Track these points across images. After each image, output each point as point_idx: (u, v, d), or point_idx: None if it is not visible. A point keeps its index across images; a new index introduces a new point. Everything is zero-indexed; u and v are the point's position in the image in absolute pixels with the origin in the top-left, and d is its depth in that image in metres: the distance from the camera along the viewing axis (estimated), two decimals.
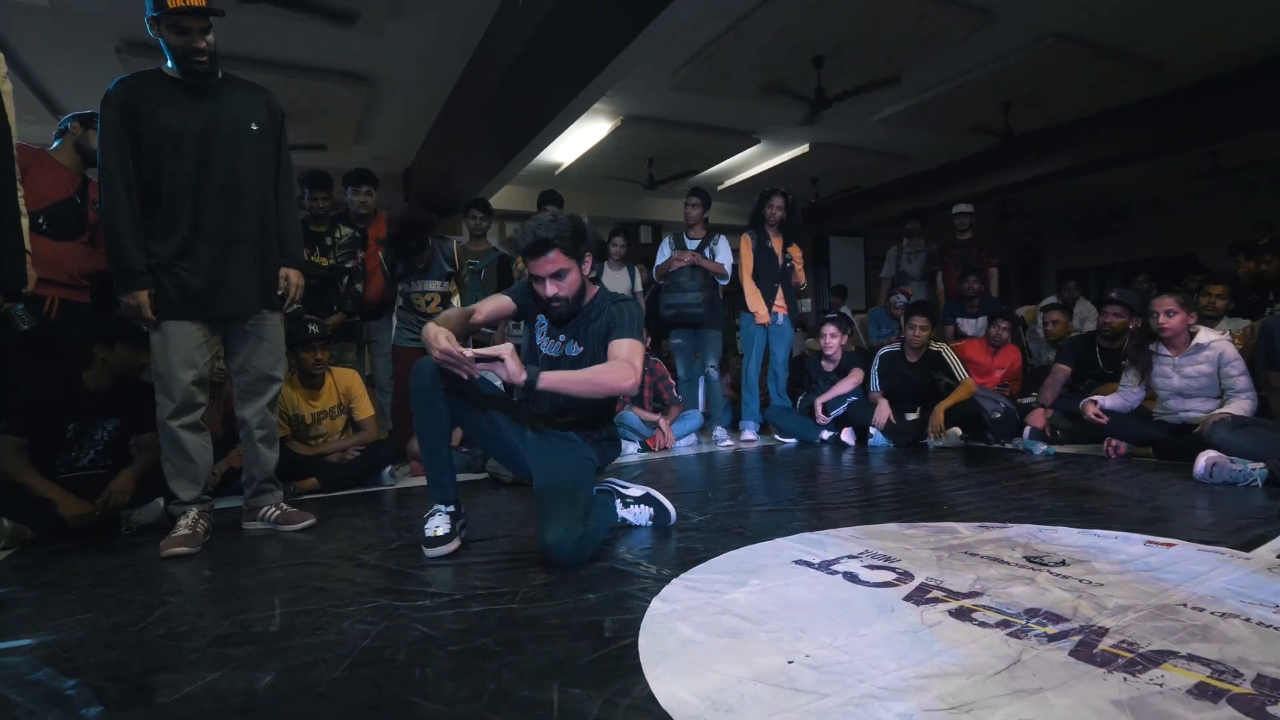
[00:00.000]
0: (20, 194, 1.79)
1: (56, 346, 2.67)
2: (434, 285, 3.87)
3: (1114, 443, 3.29)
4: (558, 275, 1.96)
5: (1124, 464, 3.13)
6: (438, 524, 1.91)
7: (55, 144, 2.77)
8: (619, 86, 5.26)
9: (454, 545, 1.91)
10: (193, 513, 2.12)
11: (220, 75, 2.18)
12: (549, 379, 1.83)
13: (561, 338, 2.10)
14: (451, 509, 1.96)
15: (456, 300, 3.99)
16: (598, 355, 2.03)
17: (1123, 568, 1.59)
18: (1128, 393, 3.33)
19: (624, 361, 1.92)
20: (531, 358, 2.15)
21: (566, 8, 3.70)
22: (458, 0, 4.27)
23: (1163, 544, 1.78)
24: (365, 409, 3.26)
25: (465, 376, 1.83)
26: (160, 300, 2.08)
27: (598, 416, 2.14)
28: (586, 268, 2.05)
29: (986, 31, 4.72)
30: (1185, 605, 1.34)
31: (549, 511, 1.78)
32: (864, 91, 5.26)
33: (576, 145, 6.70)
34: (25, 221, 1.90)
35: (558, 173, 7.48)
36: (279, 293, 2.30)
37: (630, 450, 3.96)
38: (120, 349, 2.51)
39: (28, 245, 1.96)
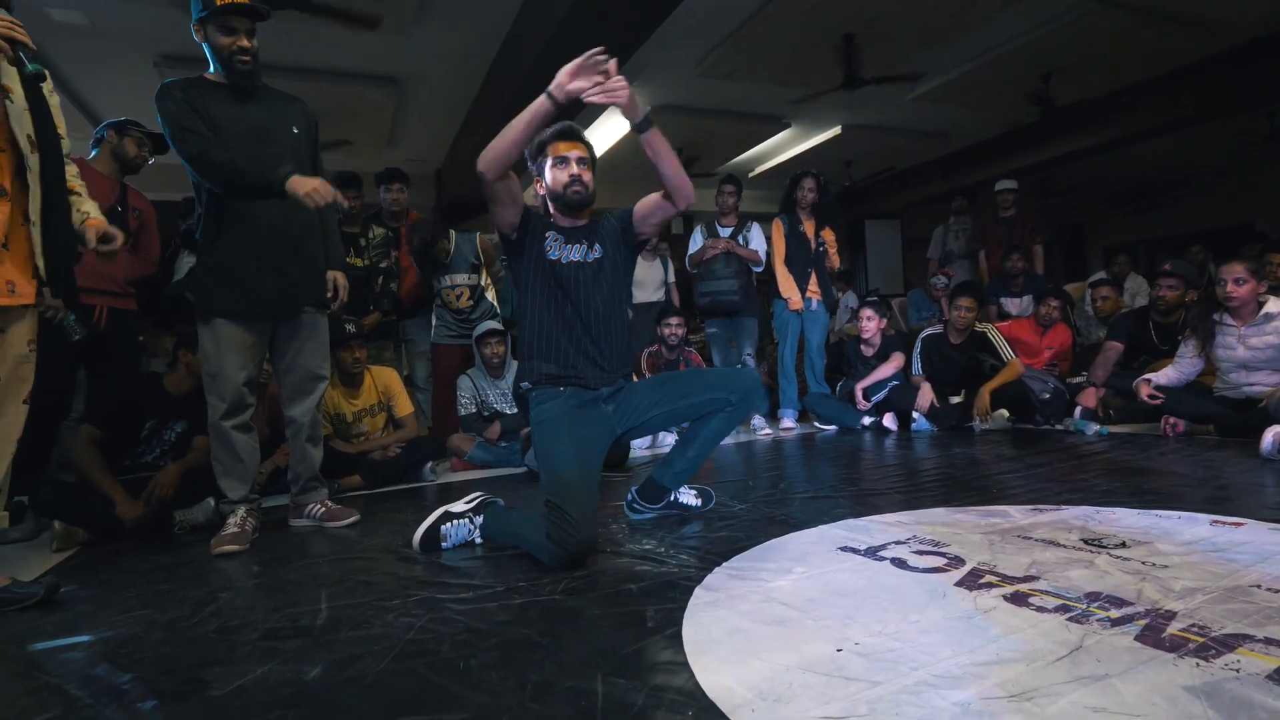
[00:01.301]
0: (81, 201, 1.83)
1: (110, 352, 2.76)
2: (461, 278, 3.89)
3: (1172, 421, 3.15)
4: (582, 161, 1.97)
5: (1184, 443, 3.00)
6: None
7: (93, 153, 2.85)
8: (646, 76, 5.23)
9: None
10: (241, 511, 2.17)
11: (260, 82, 2.22)
12: (655, 135, 1.87)
13: (580, 244, 2.02)
14: None
15: (491, 295, 4.02)
16: (618, 253, 2.07)
17: (1188, 549, 1.52)
18: (1184, 364, 3.19)
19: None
20: (545, 270, 1.99)
21: (587, 3, 3.67)
22: (482, 1, 4.28)
23: (1231, 524, 1.70)
24: (405, 406, 3.30)
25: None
26: (215, 296, 2.13)
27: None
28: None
29: (1024, 1, 4.56)
30: (1259, 586, 1.26)
31: (719, 380, 1.98)
32: (899, 80, 5.12)
33: (605, 138, 6.68)
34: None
35: None
36: (328, 294, 2.34)
37: (667, 441, 3.93)
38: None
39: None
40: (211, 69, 2.16)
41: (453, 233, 3.91)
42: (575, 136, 1.98)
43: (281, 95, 2.30)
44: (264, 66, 2.20)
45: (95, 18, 4.18)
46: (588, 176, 1.98)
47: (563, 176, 1.96)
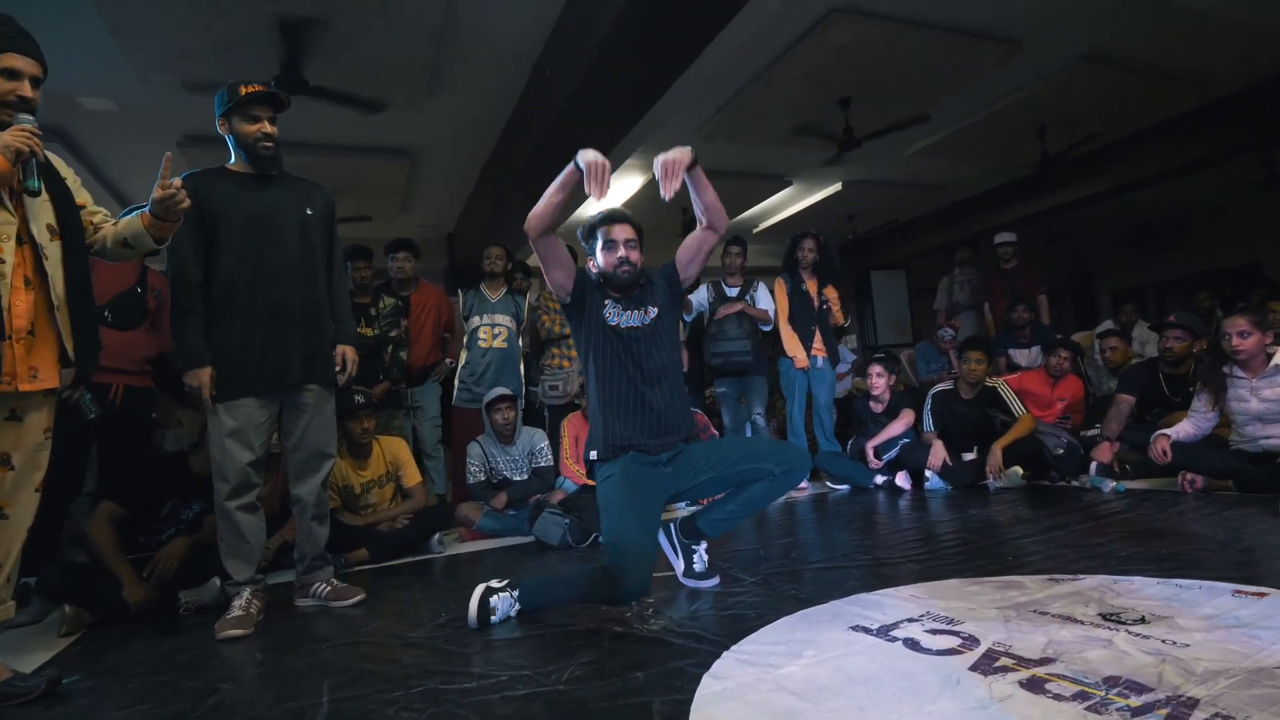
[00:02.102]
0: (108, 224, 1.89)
1: (125, 428, 2.80)
2: (503, 319, 4.05)
3: (1189, 476, 3.09)
4: (630, 243, 2.14)
5: (1203, 499, 2.94)
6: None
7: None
8: (649, 142, 5.37)
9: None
10: (246, 593, 2.15)
11: (280, 171, 2.31)
12: (698, 170, 2.02)
13: (637, 308, 2.17)
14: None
15: (521, 342, 4.21)
16: (669, 308, 2.22)
17: (1210, 623, 1.48)
18: (1199, 418, 3.15)
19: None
20: (606, 335, 2.15)
21: (594, 74, 3.81)
22: (491, 74, 4.46)
23: (1253, 594, 1.65)
24: (413, 476, 3.30)
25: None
26: (218, 381, 2.16)
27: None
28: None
29: (1015, 61, 4.68)
30: None
31: (767, 452, 2.09)
32: (893, 131, 5.25)
33: (611, 200, 6.79)
34: None
35: None
36: (335, 369, 2.37)
37: (679, 506, 3.89)
38: None
39: None
40: (233, 159, 2.26)
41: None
42: (622, 219, 2.16)
43: (301, 182, 2.39)
44: (284, 144, 2.30)
45: (123, 103, 4.38)
46: (635, 256, 2.15)
47: (612, 259, 2.14)
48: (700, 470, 2.11)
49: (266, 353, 2.20)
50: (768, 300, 4.40)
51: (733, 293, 4.40)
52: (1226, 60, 4.92)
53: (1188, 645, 1.37)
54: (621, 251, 2.13)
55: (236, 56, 3.84)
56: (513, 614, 1.95)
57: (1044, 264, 5.97)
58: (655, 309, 2.18)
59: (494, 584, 1.97)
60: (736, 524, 2.27)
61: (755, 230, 8.30)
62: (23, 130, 1.56)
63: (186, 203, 1.80)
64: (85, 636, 2.19)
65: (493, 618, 1.90)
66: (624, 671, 1.48)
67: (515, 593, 1.96)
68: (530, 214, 2.04)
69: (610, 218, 2.16)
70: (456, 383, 4.05)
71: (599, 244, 2.17)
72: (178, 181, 1.78)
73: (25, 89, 1.63)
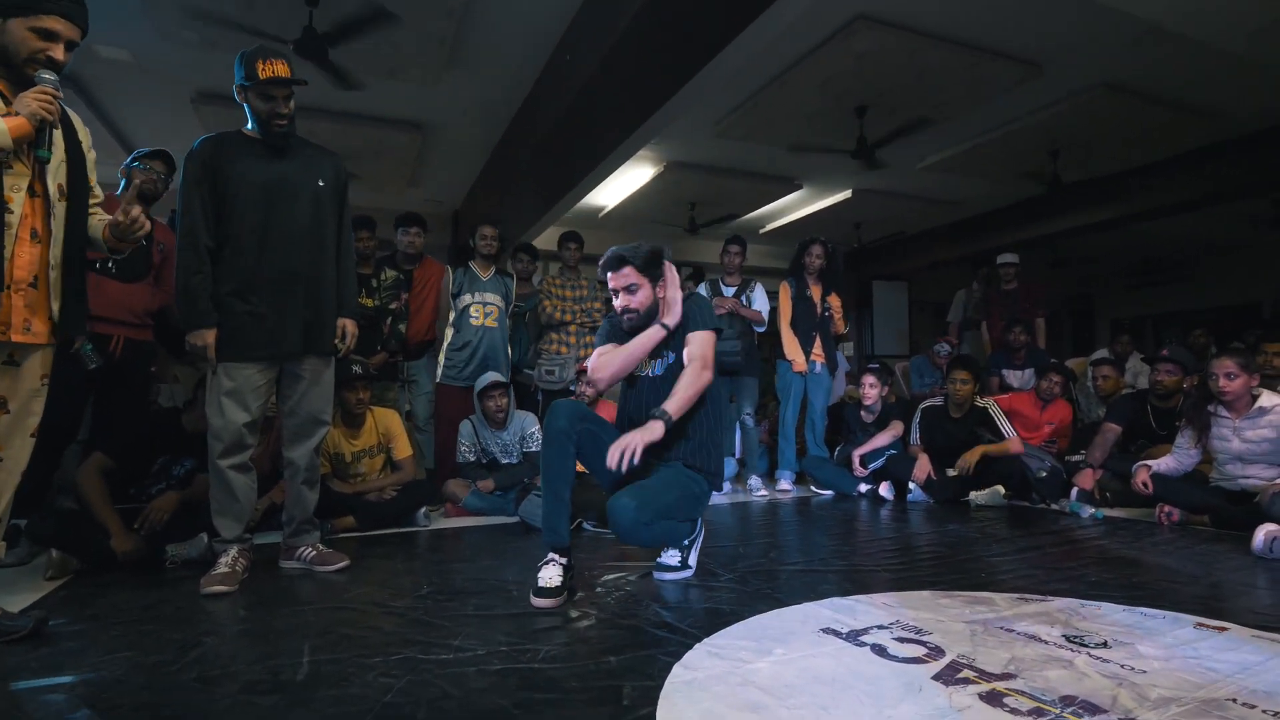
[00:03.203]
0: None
1: (124, 380, 2.83)
2: (494, 299, 4.05)
3: (1167, 509, 3.14)
4: (629, 289, 2.18)
5: (1178, 532, 2.99)
6: (551, 575, 1.94)
7: (121, 187, 2.95)
8: (663, 134, 5.37)
9: (561, 600, 1.90)
10: (233, 551, 2.18)
11: (295, 138, 2.33)
12: (672, 408, 2.03)
13: (657, 355, 2.23)
14: (565, 560, 2.00)
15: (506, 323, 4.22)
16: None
17: (1169, 653, 1.52)
18: (1182, 454, 3.19)
19: (695, 360, 2.12)
20: (628, 390, 2.31)
21: (615, 60, 3.82)
22: (510, 54, 4.46)
23: (1214, 627, 1.69)
24: (404, 449, 3.33)
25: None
26: (220, 342, 2.19)
27: (705, 447, 2.24)
28: (661, 290, 2.21)
29: (1034, 83, 4.70)
30: (1235, 700, 1.27)
31: (633, 488, 2.01)
32: (906, 135, 5.26)
33: (620, 189, 6.84)
34: None
35: (600, 215, 7.63)
36: (335, 340, 2.39)
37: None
38: None
39: None
40: (249, 125, 2.28)
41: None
42: (616, 267, 2.19)
43: (315, 149, 2.41)
44: (301, 109, 2.32)
45: (138, 54, 4.37)
46: (635, 301, 2.19)
47: (618, 306, 2.21)
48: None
49: (270, 320, 2.22)
50: (763, 301, 4.43)
51: (730, 292, 4.43)
52: (1246, 99, 4.94)
53: (1145, 671, 1.41)
54: (621, 301, 2.20)
55: (256, 16, 3.83)
56: None
57: (1046, 287, 5.99)
58: (674, 356, 2.21)
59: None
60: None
61: (761, 231, 8.31)
62: (45, 93, 1.58)
63: (145, 229, 1.83)
64: (71, 582, 2.22)
65: None
66: (597, 655, 1.52)
67: None
68: (603, 369, 2.20)
69: (609, 264, 2.21)
70: (443, 360, 4.05)
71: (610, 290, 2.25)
72: (137, 210, 1.79)
73: (58, 52, 1.64)
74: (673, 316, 2.17)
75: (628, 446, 1.92)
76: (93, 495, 2.38)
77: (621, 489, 2.03)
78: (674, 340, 2.22)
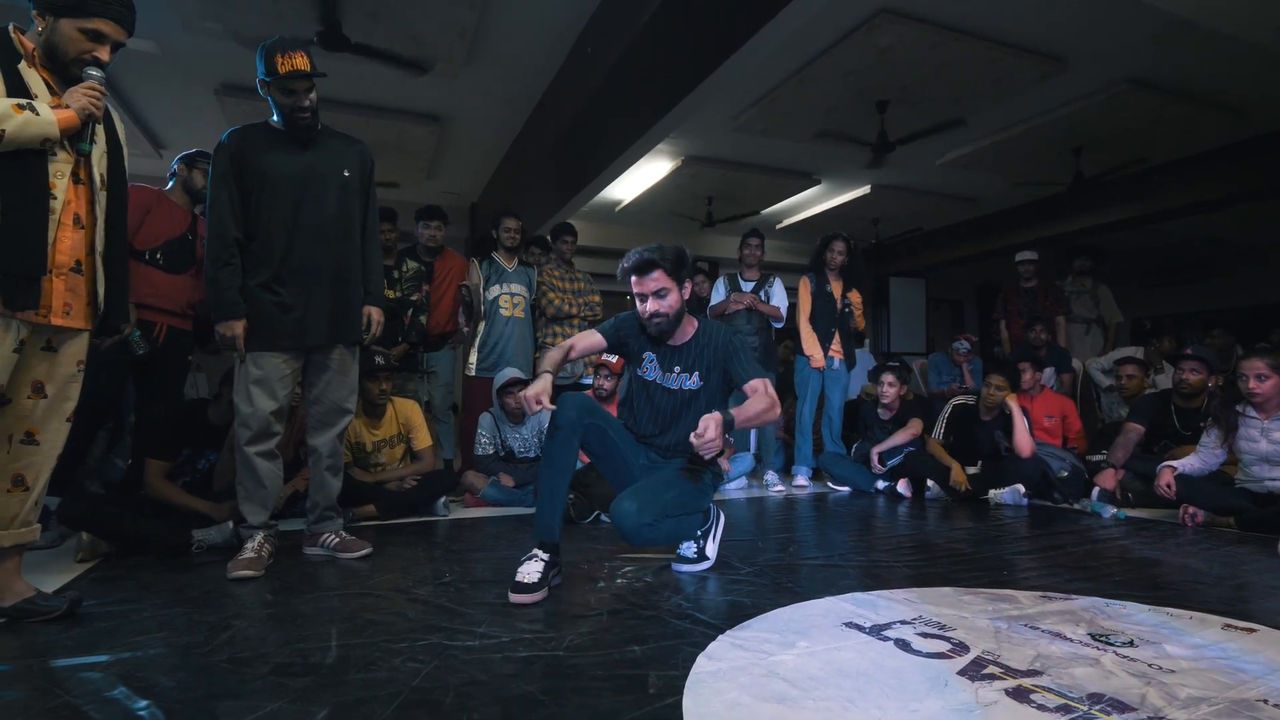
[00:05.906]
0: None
1: (165, 367, 2.91)
2: (519, 289, 4.12)
3: (1191, 510, 3.11)
4: (659, 294, 2.10)
5: (1202, 534, 2.96)
6: (531, 570, 1.88)
7: (170, 184, 3.01)
8: (681, 128, 5.36)
9: (540, 596, 1.86)
10: (259, 536, 2.22)
11: (320, 127, 2.35)
12: (740, 417, 1.98)
13: (677, 369, 2.18)
14: (549, 556, 1.94)
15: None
16: (717, 388, 2.18)
17: (1197, 653, 1.51)
18: (1207, 454, 3.16)
19: (764, 395, 2.07)
20: (640, 394, 2.24)
21: (635, 55, 3.81)
22: (530, 47, 4.46)
23: (1243, 629, 1.68)
24: (424, 439, 3.35)
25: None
26: (248, 332, 2.22)
27: None
28: (687, 293, 2.16)
29: (1058, 78, 4.64)
30: (1266, 701, 1.25)
31: (633, 490, 1.99)
32: (929, 134, 5.22)
33: (637, 183, 6.82)
34: None
35: (617, 209, 7.62)
36: (362, 328, 2.41)
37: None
38: None
39: None
40: (275, 118, 2.30)
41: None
42: (646, 271, 2.09)
43: (342, 138, 2.43)
44: (321, 101, 2.34)
45: (164, 46, 4.40)
46: (664, 306, 2.11)
47: (642, 311, 2.13)
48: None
49: (297, 310, 2.25)
50: (782, 297, 4.42)
51: (748, 287, 4.42)
52: (1273, 95, 4.86)
53: (1173, 671, 1.40)
54: (650, 306, 2.11)
55: (279, 8, 3.86)
56: None
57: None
58: (700, 379, 2.17)
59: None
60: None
61: (778, 226, 8.27)
62: (93, 89, 1.61)
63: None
64: (101, 565, 2.26)
65: None
66: (621, 645, 1.53)
67: None
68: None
69: (637, 268, 2.10)
70: (475, 353, 4.07)
71: (634, 293, 2.16)
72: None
73: (104, 54, 1.68)
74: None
75: (713, 440, 1.86)
76: (173, 494, 2.53)
77: (624, 490, 2.03)
78: (687, 358, 2.17)
